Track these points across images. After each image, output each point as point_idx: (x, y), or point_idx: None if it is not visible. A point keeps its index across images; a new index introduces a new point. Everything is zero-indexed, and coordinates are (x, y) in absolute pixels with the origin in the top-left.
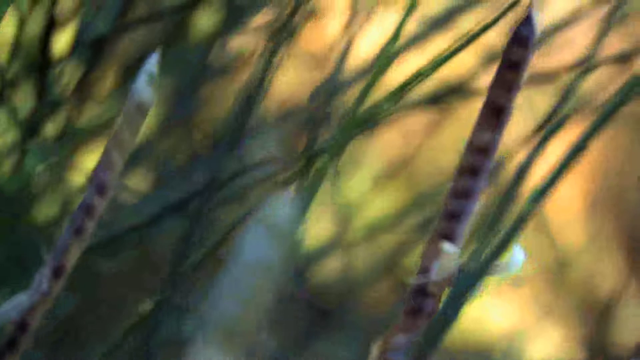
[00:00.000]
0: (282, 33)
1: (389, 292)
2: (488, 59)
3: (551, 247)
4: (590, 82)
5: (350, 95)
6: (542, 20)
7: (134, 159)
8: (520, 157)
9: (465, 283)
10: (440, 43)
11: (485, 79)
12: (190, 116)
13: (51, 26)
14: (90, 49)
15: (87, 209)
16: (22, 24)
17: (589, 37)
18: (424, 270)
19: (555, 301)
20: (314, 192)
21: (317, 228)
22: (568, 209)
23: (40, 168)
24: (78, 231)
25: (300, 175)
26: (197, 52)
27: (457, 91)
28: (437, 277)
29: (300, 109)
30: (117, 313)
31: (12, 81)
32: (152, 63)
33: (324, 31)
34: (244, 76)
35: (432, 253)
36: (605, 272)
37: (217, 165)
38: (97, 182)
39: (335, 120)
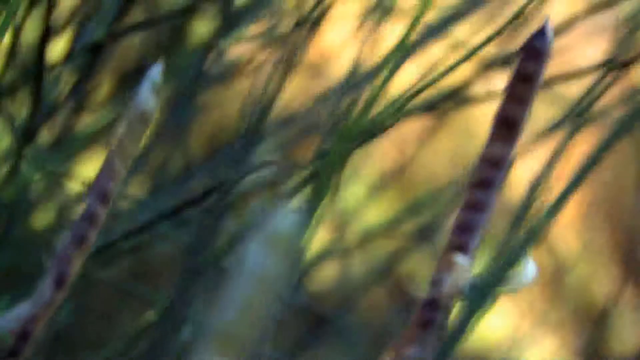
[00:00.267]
0: (288, 42)
1: (384, 298)
2: (483, 67)
3: (547, 255)
4: (585, 89)
5: (352, 104)
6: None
7: (131, 166)
8: (521, 165)
9: (477, 295)
10: (435, 52)
11: (480, 86)
12: (186, 123)
13: (47, 33)
14: (87, 56)
15: (89, 218)
16: (18, 30)
17: (588, 44)
18: (436, 282)
19: (551, 309)
20: (318, 203)
21: (315, 235)
22: (564, 218)
23: (36, 175)
24: (80, 240)
25: (303, 186)
26: (193, 59)
27: (452, 99)
28: (448, 289)
29: (301, 117)
30: (114, 321)
31: (9, 88)
32: (155, 72)
33: (325, 41)
34: (241, 83)
35: (444, 265)
36: (601, 280)
37: (216, 173)
38: (99, 191)
39: (337, 129)
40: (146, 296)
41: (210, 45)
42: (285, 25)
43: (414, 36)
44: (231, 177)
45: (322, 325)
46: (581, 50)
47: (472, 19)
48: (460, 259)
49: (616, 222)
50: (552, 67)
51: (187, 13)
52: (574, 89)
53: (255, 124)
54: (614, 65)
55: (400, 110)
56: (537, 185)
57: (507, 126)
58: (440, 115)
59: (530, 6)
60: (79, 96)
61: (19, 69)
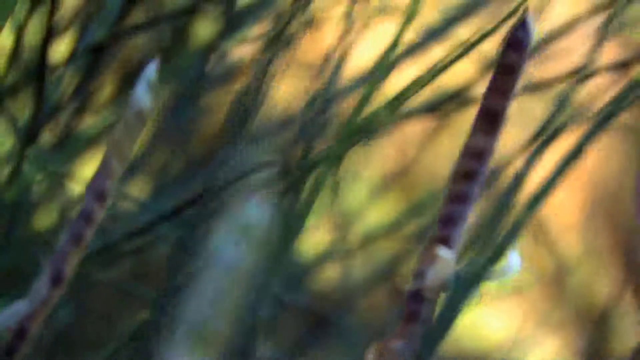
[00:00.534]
0: (279, 42)
1: (385, 299)
2: (485, 67)
3: (548, 256)
4: (587, 91)
5: (347, 104)
6: (537, 25)
7: (131, 167)
8: (517, 165)
9: (462, 288)
10: (438, 52)
11: (483, 87)
12: (187, 124)
13: (50, 34)
14: (89, 57)
15: (86, 217)
16: (20, 31)
17: (585, 45)
18: (420, 275)
19: (553, 310)
20: (312, 201)
21: (315, 236)
22: (565, 219)
23: (38, 176)
24: (77, 239)
25: (296, 185)
26: (194, 61)
27: (454, 99)
28: (432, 282)
29: (296, 118)
30: (113, 322)
31: (11, 89)
32: (151, 70)
33: (320, 40)
34: (241, 85)
35: (428, 258)
36: (602, 281)
37: (213, 174)
38: (95, 190)
39: (331, 129)
40: (147, 297)
41: (212, 47)
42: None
43: (415, 37)
44: (229, 178)
45: (323, 325)
46: (580, 52)
47: (475, 20)
48: (443, 251)
49: (618, 223)
50: (551, 69)
51: (190, 14)
52: (575, 90)
53: (246, 125)
54: (614, 65)
55: (395, 108)
56: (520, 177)
57: (489, 118)
58: (443, 117)
59: (532, 7)
60: (82, 97)
61: (21, 69)
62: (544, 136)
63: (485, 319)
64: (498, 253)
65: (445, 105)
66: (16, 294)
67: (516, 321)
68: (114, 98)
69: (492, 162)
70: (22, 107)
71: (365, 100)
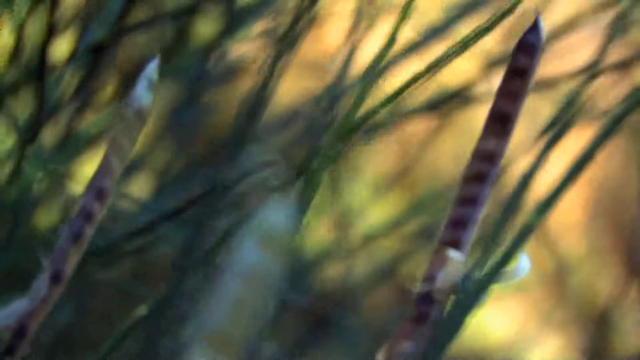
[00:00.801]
0: (283, 41)
1: (387, 299)
2: (487, 65)
3: (551, 256)
4: (591, 90)
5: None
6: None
7: (133, 167)
8: (521, 164)
9: (471, 290)
10: (439, 51)
11: (484, 86)
12: (189, 123)
13: (50, 33)
14: (90, 56)
15: (85, 215)
16: (20, 29)
17: (589, 43)
18: (430, 277)
19: (555, 309)
20: (311, 198)
21: (317, 235)
22: (568, 218)
23: (39, 175)
24: (76, 237)
25: (297, 183)
26: (195, 60)
27: (455, 98)
28: (442, 284)
29: (300, 116)
30: (113, 322)
31: (12, 88)
32: (152, 69)
33: (325, 39)
34: (244, 84)
35: (437, 260)
36: (605, 281)
37: (216, 173)
38: (95, 188)
39: (336, 127)
40: (147, 297)
41: (213, 46)
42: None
43: (412, 34)
44: (230, 177)
45: (324, 325)
46: (583, 50)
47: (476, 18)
48: (453, 254)
49: (620, 223)
50: (554, 67)
51: (190, 13)
52: (581, 89)
53: (251, 124)
54: (611, 64)
55: (393, 103)
56: (527, 179)
57: (500, 121)
58: (444, 115)
59: (534, 6)
60: (82, 96)
61: (21, 68)
62: (551, 136)
63: (487, 318)
64: (507, 255)
65: (447, 103)
66: (17, 293)
67: (518, 320)
68: (114, 97)
69: (501, 162)
70: (23, 106)
71: (361, 97)
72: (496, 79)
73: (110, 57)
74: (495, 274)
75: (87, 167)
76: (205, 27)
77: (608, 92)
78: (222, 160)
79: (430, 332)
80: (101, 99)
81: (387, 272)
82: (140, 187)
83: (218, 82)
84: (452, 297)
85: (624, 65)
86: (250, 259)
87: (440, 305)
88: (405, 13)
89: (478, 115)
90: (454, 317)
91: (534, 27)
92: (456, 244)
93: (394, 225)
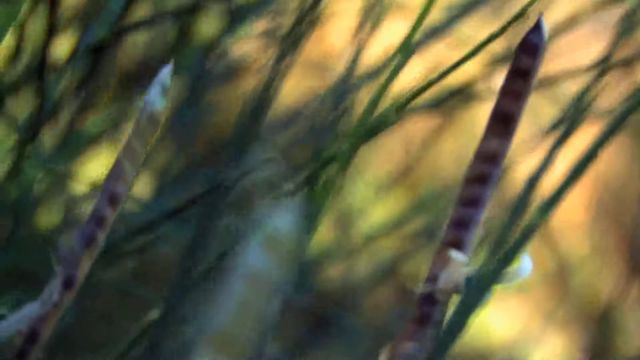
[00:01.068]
0: (287, 40)
1: (388, 299)
2: (490, 65)
3: (554, 255)
4: (595, 89)
5: (356, 103)
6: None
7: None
8: (524, 164)
9: (474, 291)
10: (440, 50)
11: (487, 84)
12: (191, 122)
13: (51, 32)
14: (90, 55)
15: (98, 220)
16: (21, 29)
17: (590, 42)
18: (432, 278)
19: (557, 309)
20: (323, 202)
21: (319, 234)
22: (570, 217)
23: (39, 175)
24: (89, 242)
25: (306, 185)
26: (197, 58)
27: (458, 96)
28: (444, 285)
29: (305, 116)
30: (115, 322)
31: (12, 87)
32: (165, 74)
33: (328, 38)
34: (245, 83)
35: (440, 261)
36: (607, 280)
37: (218, 172)
38: (108, 193)
39: (340, 128)
40: (148, 297)
41: (214, 44)
42: (289, 23)
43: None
44: (231, 177)
45: (324, 325)
46: (584, 48)
47: (477, 17)
48: (456, 254)
49: (622, 222)
50: (555, 65)
51: (191, 12)
52: (576, 88)
53: (255, 123)
54: (615, 63)
55: (402, 108)
56: (534, 180)
57: (503, 121)
58: (446, 114)
59: (535, 4)
60: (83, 95)
61: (22, 68)
62: (557, 136)
63: (490, 317)
64: (510, 256)
65: (449, 102)
66: (17, 293)
67: (521, 320)
68: (115, 96)
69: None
70: (23, 106)
71: (377, 100)
72: (499, 78)
73: (110, 57)
74: (497, 274)
75: (88, 167)
76: (206, 26)
77: (611, 92)
78: (224, 160)
79: (433, 332)
80: (102, 99)
81: (388, 272)
82: (141, 187)
83: (219, 82)
84: (455, 298)
85: (627, 65)
86: (255, 262)
87: (442, 306)
88: (422, 18)
89: (480, 114)
90: (456, 318)
91: (537, 27)
92: (458, 245)
93: (395, 225)
